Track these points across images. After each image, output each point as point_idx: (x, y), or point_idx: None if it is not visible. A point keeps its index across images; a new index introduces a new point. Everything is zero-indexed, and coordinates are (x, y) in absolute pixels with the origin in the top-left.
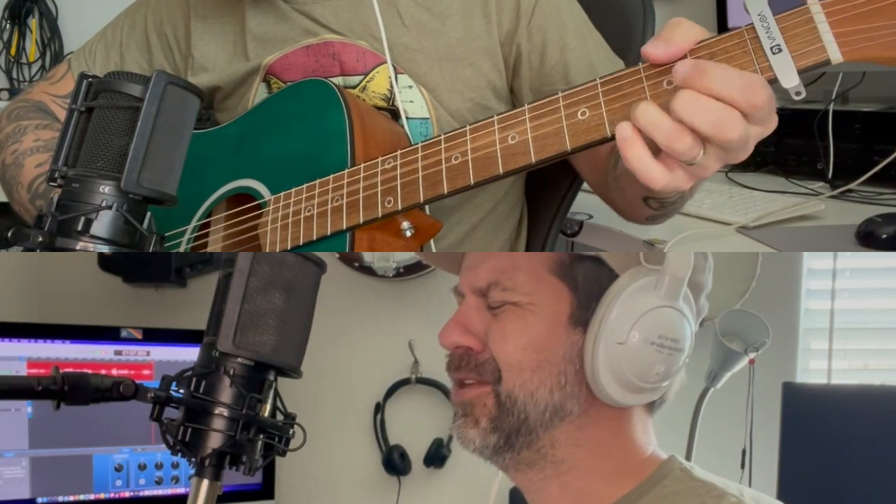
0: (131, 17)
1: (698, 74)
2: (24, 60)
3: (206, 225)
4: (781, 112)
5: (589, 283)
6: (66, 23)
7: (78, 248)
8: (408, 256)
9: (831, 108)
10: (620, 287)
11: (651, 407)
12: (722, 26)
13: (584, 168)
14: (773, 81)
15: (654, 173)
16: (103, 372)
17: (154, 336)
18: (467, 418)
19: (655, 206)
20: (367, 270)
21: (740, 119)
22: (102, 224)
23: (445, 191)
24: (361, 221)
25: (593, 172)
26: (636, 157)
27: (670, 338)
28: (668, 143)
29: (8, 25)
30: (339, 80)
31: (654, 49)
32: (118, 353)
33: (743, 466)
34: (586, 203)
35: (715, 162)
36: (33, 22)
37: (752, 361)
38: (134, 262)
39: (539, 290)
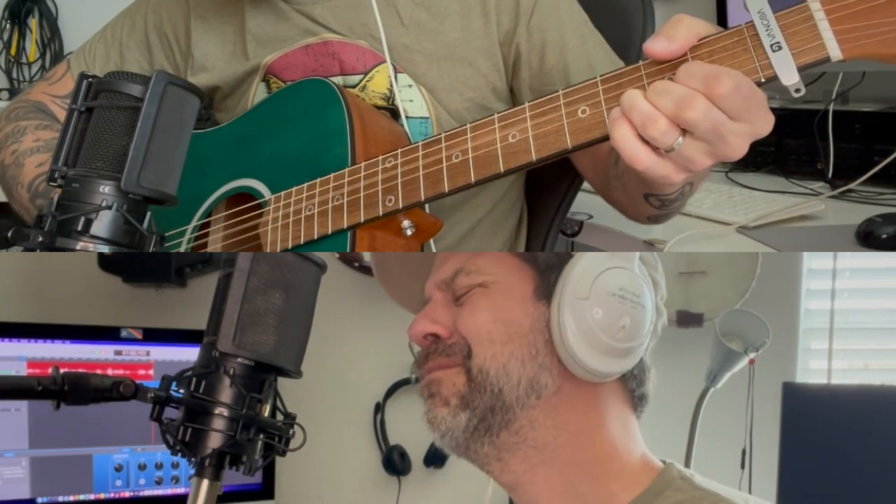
0: (131, 16)
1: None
2: (24, 60)
3: (206, 225)
4: (782, 112)
5: (549, 258)
6: (66, 23)
7: (78, 247)
8: None
9: (831, 108)
10: (579, 257)
11: (632, 404)
12: (722, 26)
13: (585, 167)
14: (774, 79)
15: (639, 153)
16: (103, 372)
17: (154, 336)
18: (434, 398)
19: (657, 203)
20: (367, 270)
21: (702, 101)
22: (102, 224)
23: (446, 189)
24: (362, 220)
25: (595, 171)
26: (621, 135)
27: (631, 291)
28: (643, 127)
29: (8, 25)
30: (338, 80)
31: (655, 46)
32: (118, 353)
33: (743, 466)
34: (586, 203)
35: (698, 154)
36: (33, 22)
37: (752, 361)
38: (134, 262)
39: (502, 269)
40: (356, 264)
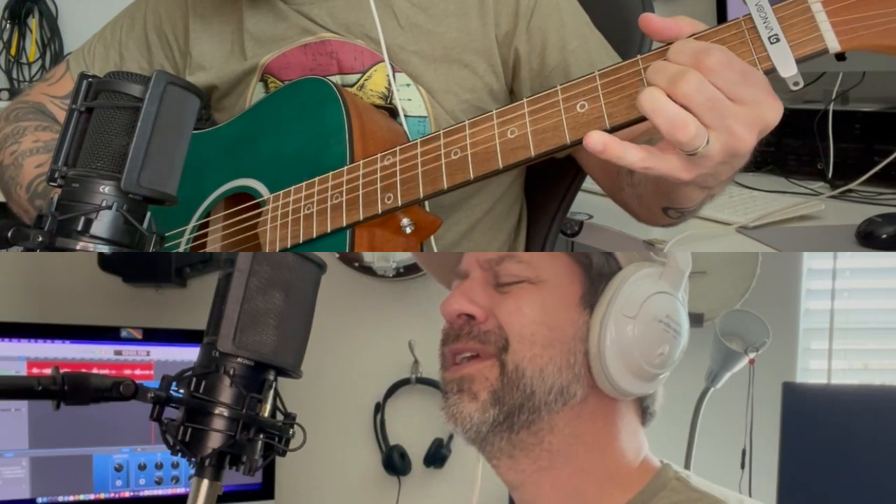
0: (130, 16)
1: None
2: (24, 60)
3: (206, 224)
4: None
5: (600, 265)
6: (66, 23)
7: (78, 248)
8: (407, 256)
9: (831, 107)
10: (629, 272)
11: (643, 415)
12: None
13: (593, 169)
14: (772, 71)
15: (641, 161)
16: (103, 372)
17: (154, 336)
18: (463, 394)
19: (675, 215)
20: (367, 270)
21: (694, 74)
22: (102, 224)
23: (445, 186)
24: (361, 218)
25: (604, 173)
26: (617, 156)
27: (675, 320)
28: (671, 132)
29: (8, 25)
30: (336, 79)
31: (652, 16)
32: (118, 353)
33: (743, 466)
34: (586, 203)
35: (711, 145)
36: (33, 22)
37: (752, 361)
38: (134, 262)
39: (553, 266)
40: (356, 264)
